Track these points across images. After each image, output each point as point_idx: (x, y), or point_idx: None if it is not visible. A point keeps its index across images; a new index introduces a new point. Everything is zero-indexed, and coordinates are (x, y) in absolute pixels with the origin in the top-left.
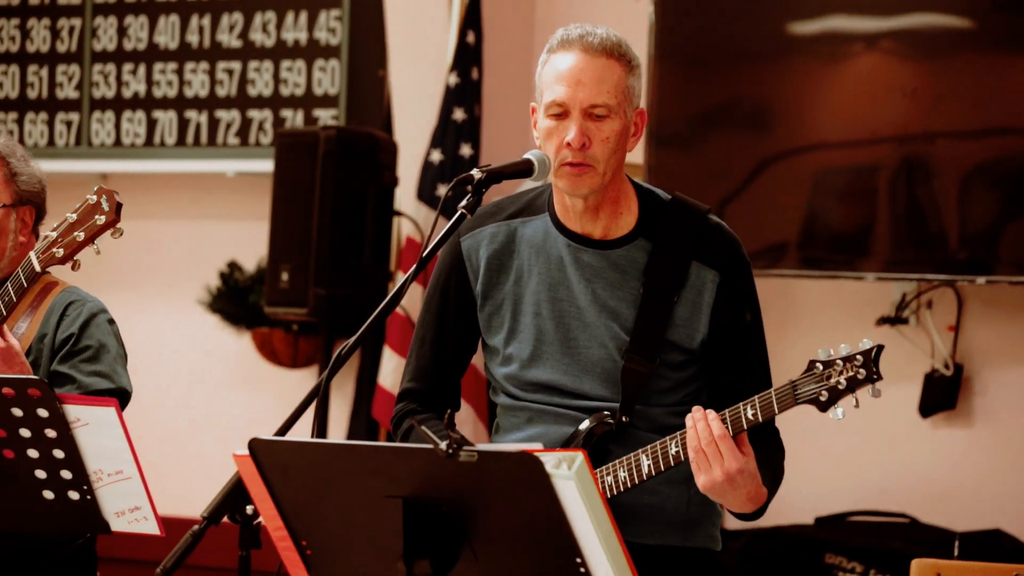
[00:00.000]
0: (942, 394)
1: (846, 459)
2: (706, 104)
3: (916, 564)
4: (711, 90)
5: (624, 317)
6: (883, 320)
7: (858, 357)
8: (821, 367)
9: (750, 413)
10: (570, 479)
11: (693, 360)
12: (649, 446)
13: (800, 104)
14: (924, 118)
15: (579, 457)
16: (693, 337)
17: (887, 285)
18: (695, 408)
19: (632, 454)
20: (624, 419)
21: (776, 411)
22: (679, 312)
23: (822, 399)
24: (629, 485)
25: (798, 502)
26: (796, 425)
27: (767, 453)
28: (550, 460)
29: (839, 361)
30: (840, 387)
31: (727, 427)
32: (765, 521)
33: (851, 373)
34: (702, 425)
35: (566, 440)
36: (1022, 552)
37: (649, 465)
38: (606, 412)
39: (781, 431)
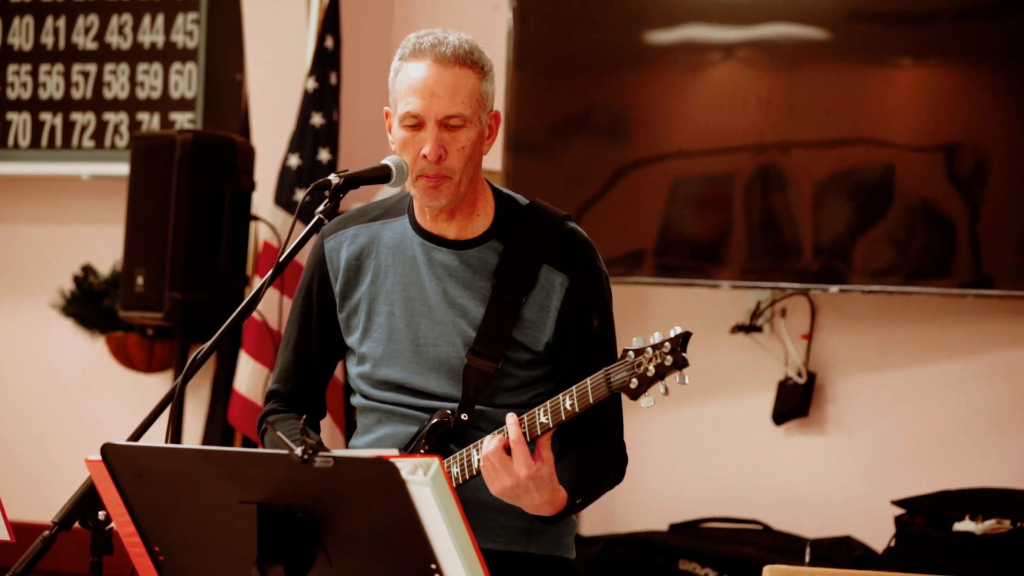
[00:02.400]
0: (795, 402)
1: (700, 466)
2: (564, 112)
3: (768, 571)
4: (569, 98)
5: (472, 315)
6: (738, 328)
7: (666, 344)
8: (633, 355)
9: (568, 403)
10: (426, 485)
11: (540, 361)
12: (479, 441)
13: (657, 113)
14: (779, 128)
15: (435, 463)
16: (539, 339)
17: (742, 293)
18: (509, 415)
19: (464, 449)
20: (463, 417)
21: (591, 400)
22: (527, 313)
23: (632, 386)
24: (460, 481)
25: (653, 508)
26: (651, 432)
27: (587, 459)
28: (406, 466)
29: (649, 349)
30: (649, 374)
31: (524, 431)
32: (619, 527)
33: (659, 360)
34: (491, 436)
35: (408, 441)
36: (872, 559)
37: (478, 459)
38: (447, 411)
39: (636, 438)
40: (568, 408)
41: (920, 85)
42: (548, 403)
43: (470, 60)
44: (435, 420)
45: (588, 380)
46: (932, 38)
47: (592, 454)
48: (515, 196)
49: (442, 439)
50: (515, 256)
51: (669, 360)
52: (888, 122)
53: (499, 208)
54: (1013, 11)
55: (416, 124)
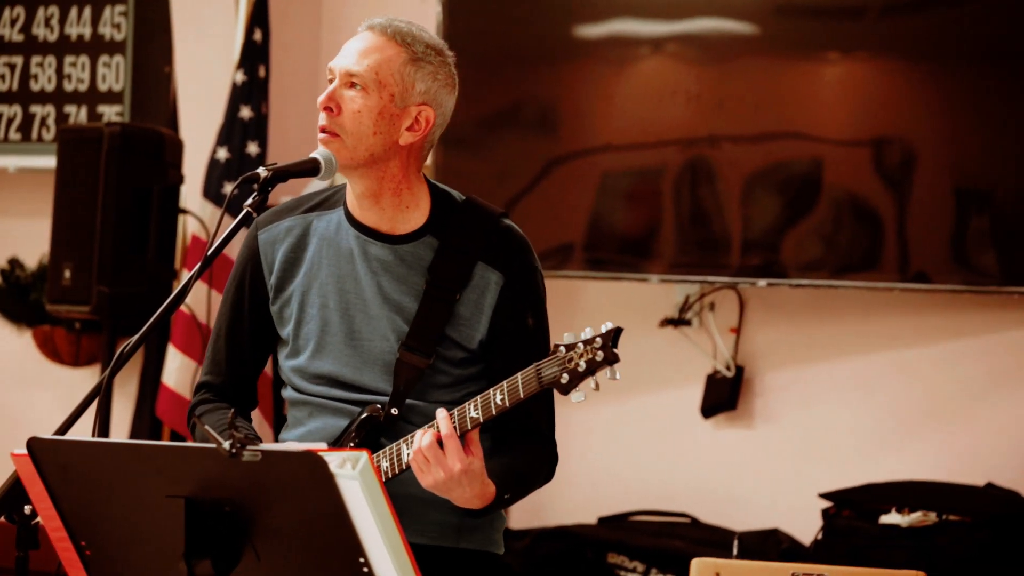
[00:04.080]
0: (723, 395)
1: (629, 459)
2: (494, 106)
3: (696, 563)
4: (499, 92)
5: (407, 311)
6: (666, 322)
7: (597, 339)
8: (564, 350)
9: (499, 398)
10: (355, 479)
11: (474, 359)
12: (409, 435)
13: (587, 107)
14: (708, 122)
15: (363, 457)
16: (472, 336)
17: (671, 287)
18: (439, 411)
19: (395, 444)
20: (393, 411)
21: (522, 395)
22: (461, 310)
23: (563, 382)
24: (390, 475)
25: (582, 502)
26: (579, 426)
27: (517, 456)
28: (334, 460)
29: (580, 344)
30: (580, 369)
31: (455, 426)
32: (549, 521)
33: (591, 356)
34: (424, 431)
35: (339, 435)
36: (799, 551)
37: (408, 453)
38: (378, 405)
39: (564, 431)
40: (499, 403)
41: (848, 80)
42: (479, 398)
43: (400, 37)
44: (365, 414)
45: (519, 375)
46: (860, 33)
47: (523, 452)
48: (451, 192)
49: (372, 433)
50: (450, 252)
51: (600, 356)
52: (816, 116)
53: (435, 203)
54: (939, 5)
55: (331, 79)
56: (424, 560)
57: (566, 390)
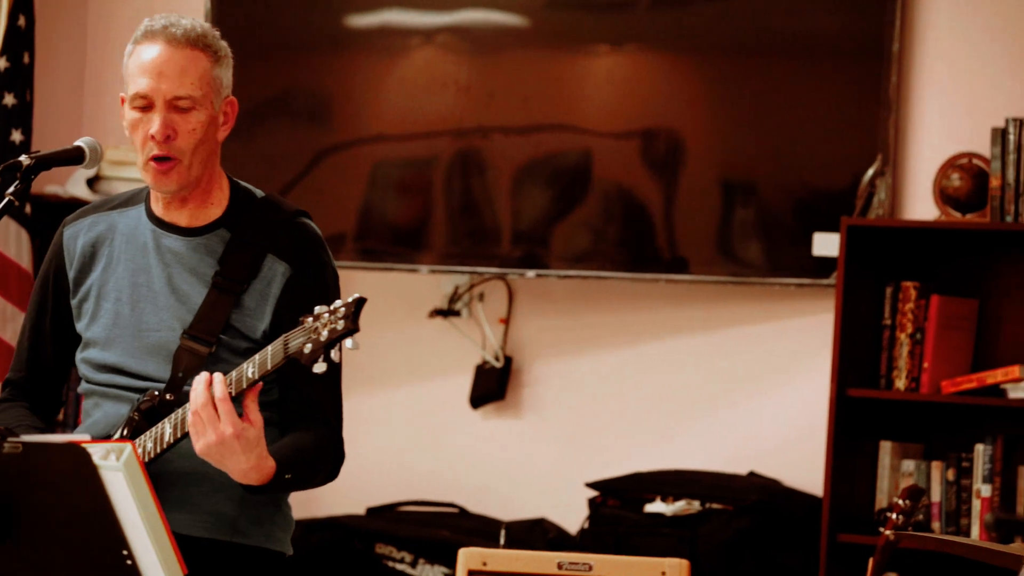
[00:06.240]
0: (492, 385)
1: (398, 449)
2: (264, 95)
3: (463, 553)
4: (269, 81)
5: (193, 301)
6: (436, 312)
7: (340, 309)
8: (311, 320)
9: (250, 371)
10: (118, 470)
11: (258, 350)
12: (173, 413)
13: (358, 97)
14: (478, 113)
15: (127, 448)
16: (256, 326)
17: (441, 278)
18: (200, 374)
19: (159, 423)
20: (168, 397)
21: (270, 366)
22: (247, 301)
23: (307, 351)
24: (153, 456)
25: (351, 492)
26: (348, 415)
27: (303, 441)
28: (98, 451)
29: (325, 314)
30: (322, 339)
31: (231, 391)
32: (317, 511)
33: (333, 324)
34: (201, 387)
35: (122, 423)
36: (566, 540)
37: (170, 432)
38: (154, 391)
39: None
40: (250, 376)
41: (617, 72)
42: (234, 371)
43: (202, 43)
44: (141, 400)
45: (269, 347)
46: (628, 26)
47: (309, 438)
48: (252, 189)
49: (151, 420)
50: (241, 244)
51: (341, 325)
52: (585, 108)
53: (234, 198)
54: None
55: (146, 105)
56: (199, 554)
57: (310, 360)
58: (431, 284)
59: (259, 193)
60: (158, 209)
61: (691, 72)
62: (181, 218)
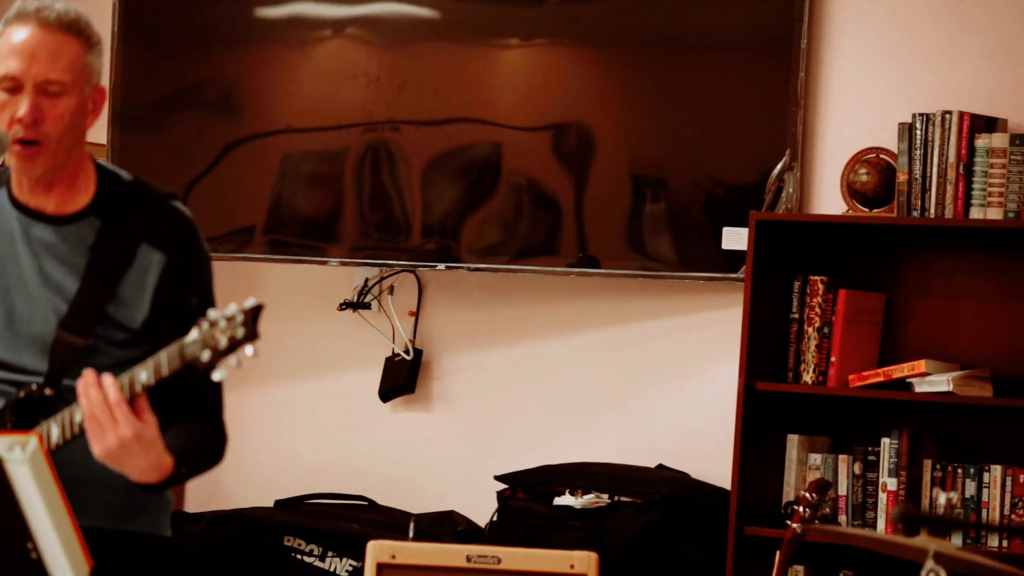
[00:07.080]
0: (402, 378)
1: (306, 442)
2: (172, 86)
3: (372, 546)
4: (177, 72)
5: (68, 292)
6: (345, 305)
7: (239, 316)
8: (208, 326)
9: (143, 376)
10: (23, 463)
11: (137, 341)
12: (60, 413)
13: (267, 88)
14: (389, 105)
15: (33, 441)
16: (135, 317)
17: (351, 270)
18: (85, 372)
19: (44, 423)
20: (48, 391)
21: (165, 372)
22: (123, 291)
23: (204, 359)
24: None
25: (259, 485)
26: (256, 408)
27: (191, 433)
28: (3, 444)
29: (222, 320)
30: (221, 347)
31: (124, 393)
32: (225, 504)
33: (231, 332)
34: (94, 391)
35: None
36: (475, 533)
37: (58, 433)
38: (32, 385)
39: (241, 413)
40: (144, 381)
41: (527, 65)
42: (126, 375)
43: (75, 28)
44: (18, 394)
45: (163, 352)
46: (539, 19)
47: (196, 429)
48: (119, 172)
49: (28, 414)
50: (113, 233)
51: (241, 332)
52: (495, 102)
53: (101, 184)
54: None
55: (14, 87)
56: (91, 543)
57: (208, 368)
58: (341, 276)
59: (126, 176)
60: (22, 194)
61: (601, 66)
62: (48, 204)
